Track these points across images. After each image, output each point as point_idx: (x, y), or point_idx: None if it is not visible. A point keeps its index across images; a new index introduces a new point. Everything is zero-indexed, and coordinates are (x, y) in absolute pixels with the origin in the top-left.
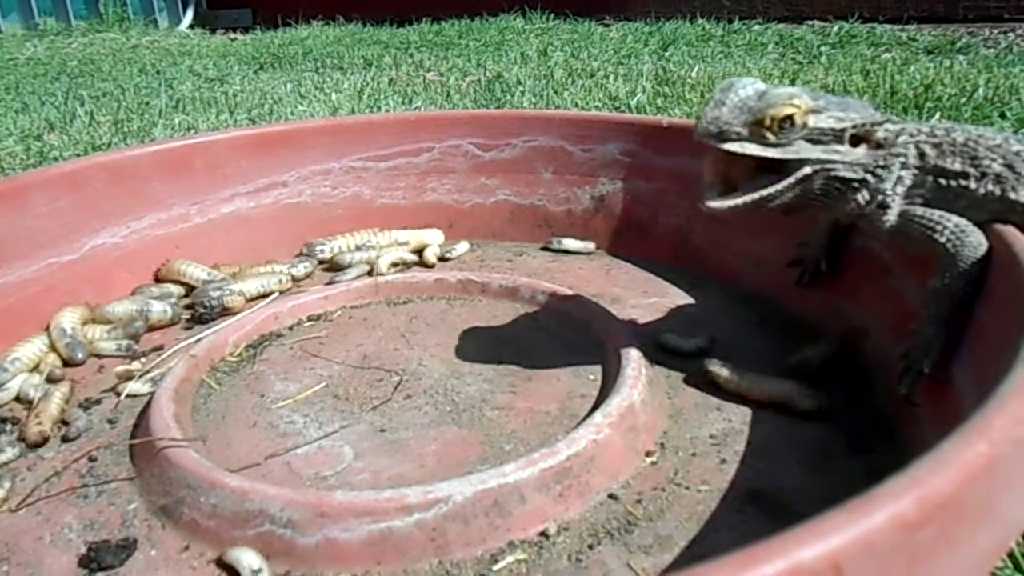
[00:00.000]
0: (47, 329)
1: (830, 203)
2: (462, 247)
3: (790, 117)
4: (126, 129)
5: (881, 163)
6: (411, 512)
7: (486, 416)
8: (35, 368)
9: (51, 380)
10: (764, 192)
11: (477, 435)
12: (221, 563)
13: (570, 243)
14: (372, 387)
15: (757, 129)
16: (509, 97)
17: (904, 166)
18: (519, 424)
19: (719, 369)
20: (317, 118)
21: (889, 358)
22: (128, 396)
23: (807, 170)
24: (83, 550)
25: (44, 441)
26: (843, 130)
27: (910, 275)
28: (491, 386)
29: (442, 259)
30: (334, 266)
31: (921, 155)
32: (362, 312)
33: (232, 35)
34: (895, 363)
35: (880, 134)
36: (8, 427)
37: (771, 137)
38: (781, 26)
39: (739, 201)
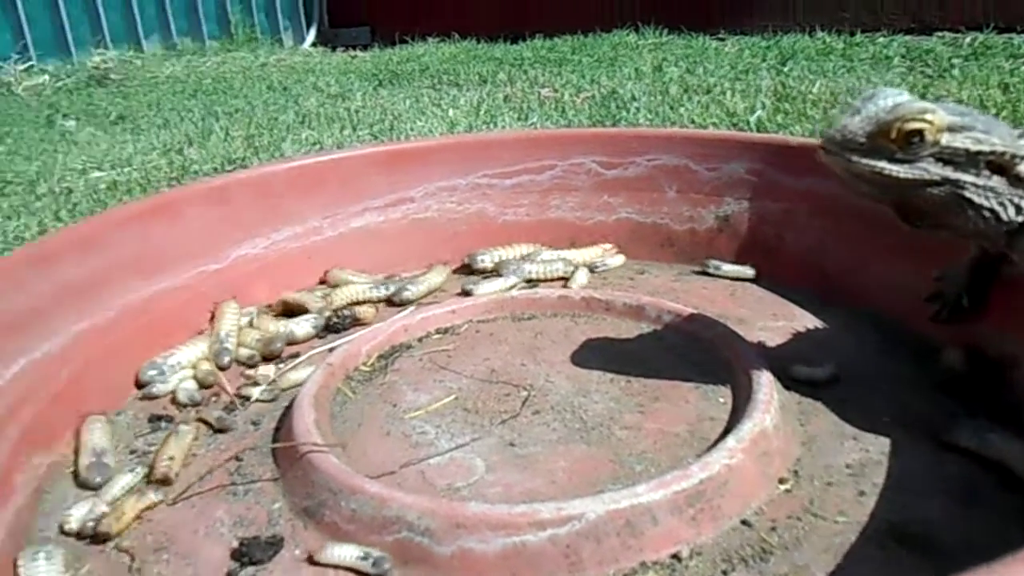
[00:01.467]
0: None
1: (951, 220)
2: (616, 260)
3: (919, 132)
4: (257, 143)
5: (1016, 200)
6: (545, 528)
7: (615, 435)
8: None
9: (201, 384)
10: (882, 166)
11: (606, 453)
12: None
13: (728, 268)
14: (500, 401)
15: (883, 141)
16: (624, 113)
17: None
18: (648, 444)
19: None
20: (438, 134)
21: None
22: (258, 399)
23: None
24: (235, 544)
25: (167, 483)
26: (978, 154)
27: None
28: (618, 405)
29: (592, 270)
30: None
31: None
32: (488, 327)
33: (352, 52)
34: None
35: (1023, 168)
36: (163, 424)
37: (896, 152)
38: (907, 38)
39: (852, 161)
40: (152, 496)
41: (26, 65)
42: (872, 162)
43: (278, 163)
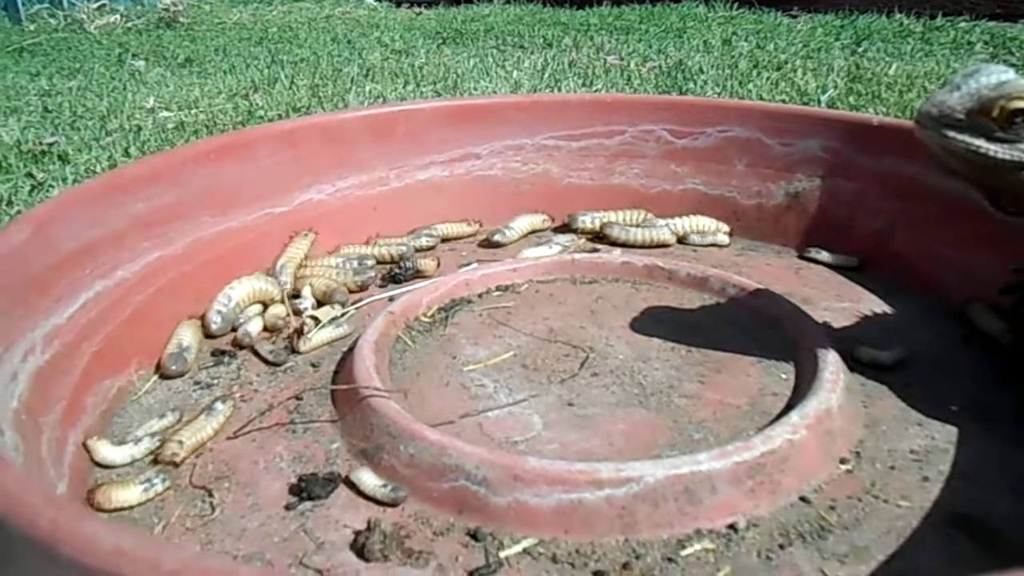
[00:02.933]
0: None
1: None
2: (722, 239)
3: (1023, 111)
4: (321, 94)
5: None
6: (602, 487)
7: (674, 402)
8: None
9: (269, 328)
10: (980, 144)
11: (665, 420)
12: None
13: (827, 256)
14: (559, 361)
15: (983, 119)
16: (692, 85)
17: None
18: (708, 414)
19: None
20: (504, 94)
21: None
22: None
23: None
24: (293, 480)
25: (172, 465)
26: None
27: None
28: (679, 373)
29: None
30: (604, 238)
31: None
32: (548, 287)
33: (417, 9)
34: None
35: None
36: (226, 359)
37: (996, 130)
38: (992, 24)
39: (949, 136)
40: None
41: (98, 4)
42: (970, 139)
43: (348, 111)
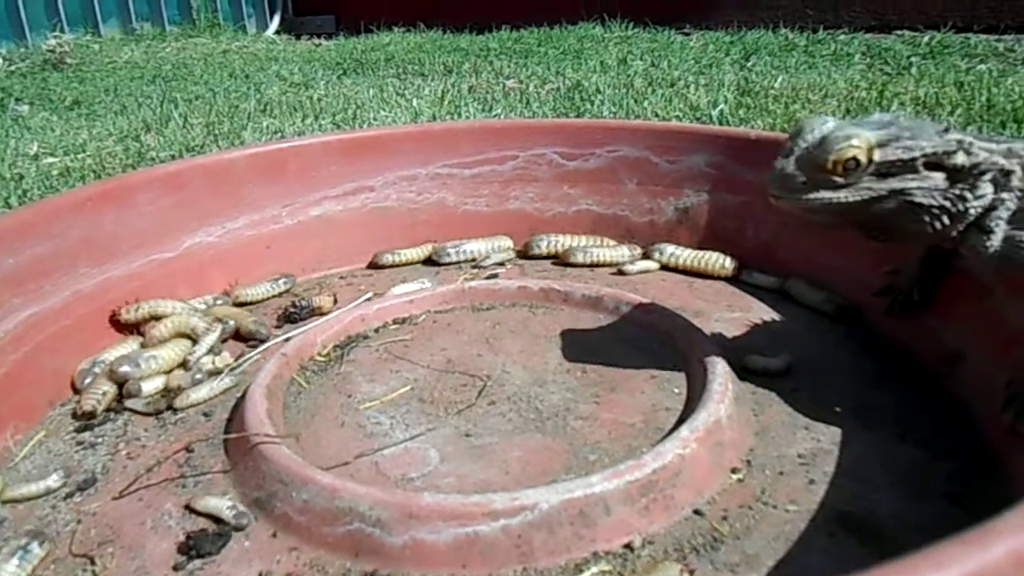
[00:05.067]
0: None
1: (909, 227)
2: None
3: (853, 159)
4: (217, 131)
5: (958, 192)
6: (497, 518)
7: (570, 425)
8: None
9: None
10: (829, 196)
11: (562, 444)
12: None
13: (759, 278)
14: (456, 392)
15: (822, 175)
16: (589, 106)
17: (1005, 187)
18: (603, 435)
19: None
20: (401, 124)
21: (989, 384)
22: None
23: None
24: (182, 537)
25: (90, 416)
26: (913, 160)
27: (1016, 297)
28: (574, 395)
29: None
30: (564, 262)
31: None
32: (446, 317)
33: (316, 41)
34: (996, 390)
35: (958, 160)
36: (112, 415)
37: (839, 180)
38: (868, 36)
39: (801, 200)
40: None
41: None
42: (820, 195)
43: (235, 150)
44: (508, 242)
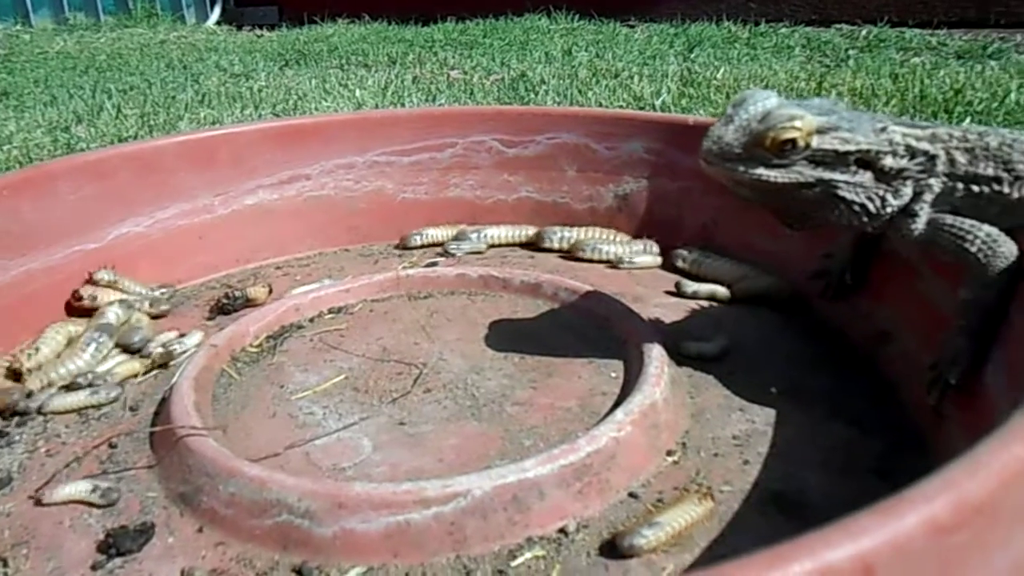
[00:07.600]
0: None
1: (827, 217)
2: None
3: (791, 140)
4: (152, 122)
5: (881, 193)
6: (429, 505)
7: (506, 411)
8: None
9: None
10: (759, 173)
11: (497, 430)
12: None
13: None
14: (392, 380)
15: (759, 150)
16: (533, 96)
17: (931, 173)
18: (539, 420)
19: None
20: (342, 112)
21: (916, 364)
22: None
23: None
24: (101, 536)
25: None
26: (847, 154)
27: (939, 279)
28: (511, 381)
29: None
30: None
31: (951, 161)
32: (383, 306)
33: (258, 32)
34: (923, 370)
35: (887, 162)
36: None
37: (772, 158)
38: (808, 29)
39: (732, 170)
40: None
41: None
42: (751, 170)
43: (165, 138)
44: (531, 230)
